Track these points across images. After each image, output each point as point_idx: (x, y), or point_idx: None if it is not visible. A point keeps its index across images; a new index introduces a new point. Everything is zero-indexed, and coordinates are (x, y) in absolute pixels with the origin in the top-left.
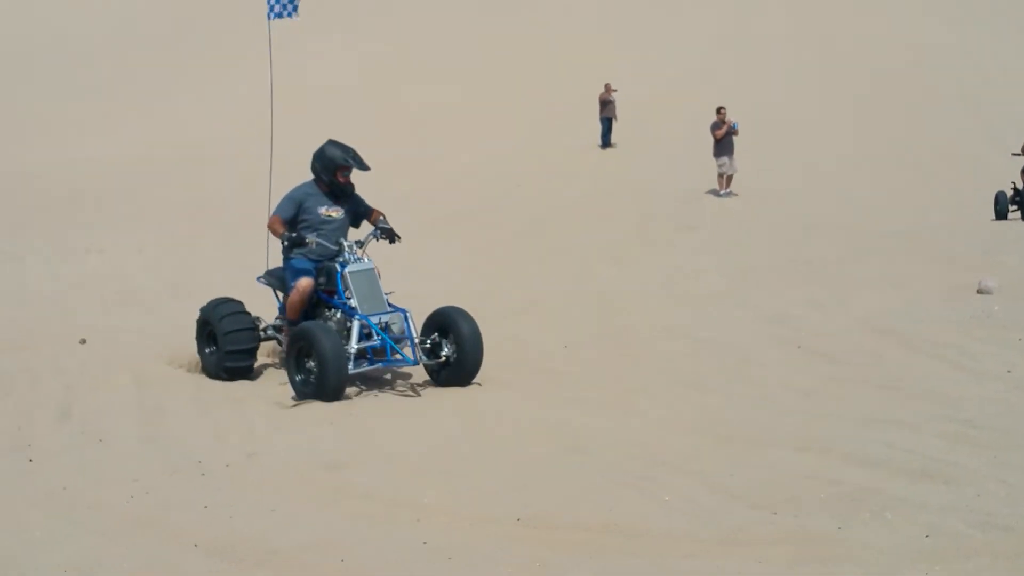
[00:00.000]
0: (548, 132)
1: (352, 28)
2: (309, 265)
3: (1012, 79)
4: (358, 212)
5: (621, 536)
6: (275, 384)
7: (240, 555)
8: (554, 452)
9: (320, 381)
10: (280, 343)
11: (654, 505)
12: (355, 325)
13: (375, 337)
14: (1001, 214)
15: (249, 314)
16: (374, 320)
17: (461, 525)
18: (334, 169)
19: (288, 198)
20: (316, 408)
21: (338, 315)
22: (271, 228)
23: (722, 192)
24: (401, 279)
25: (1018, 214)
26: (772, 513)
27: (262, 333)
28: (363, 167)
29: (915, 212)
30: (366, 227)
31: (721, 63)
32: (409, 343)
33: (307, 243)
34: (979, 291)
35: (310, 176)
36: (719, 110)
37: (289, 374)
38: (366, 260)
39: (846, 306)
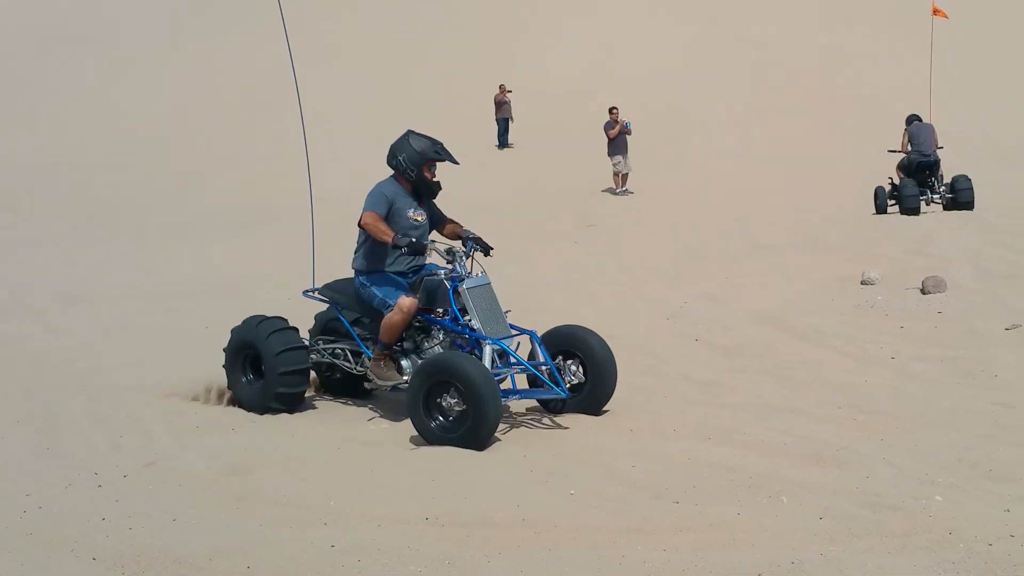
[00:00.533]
0: (443, 132)
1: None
2: (401, 279)
3: (890, 79)
4: (434, 217)
5: (530, 530)
6: (166, 393)
7: (142, 567)
8: (459, 450)
9: (475, 424)
10: (352, 369)
11: (561, 498)
12: (486, 351)
13: (513, 364)
14: (881, 208)
15: (297, 331)
16: (507, 343)
17: (369, 526)
18: (422, 163)
19: (379, 193)
20: (216, 413)
21: (442, 339)
22: (372, 227)
23: (618, 190)
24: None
25: (896, 208)
26: (675, 502)
27: (315, 356)
28: (454, 160)
29: (804, 207)
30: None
31: (619, 61)
32: (550, 370)
33: (427, 250)
34: (863, 282)
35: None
36: (611, 110)
37: (416, 417)
38: (479, 273)
39: (740, 299)
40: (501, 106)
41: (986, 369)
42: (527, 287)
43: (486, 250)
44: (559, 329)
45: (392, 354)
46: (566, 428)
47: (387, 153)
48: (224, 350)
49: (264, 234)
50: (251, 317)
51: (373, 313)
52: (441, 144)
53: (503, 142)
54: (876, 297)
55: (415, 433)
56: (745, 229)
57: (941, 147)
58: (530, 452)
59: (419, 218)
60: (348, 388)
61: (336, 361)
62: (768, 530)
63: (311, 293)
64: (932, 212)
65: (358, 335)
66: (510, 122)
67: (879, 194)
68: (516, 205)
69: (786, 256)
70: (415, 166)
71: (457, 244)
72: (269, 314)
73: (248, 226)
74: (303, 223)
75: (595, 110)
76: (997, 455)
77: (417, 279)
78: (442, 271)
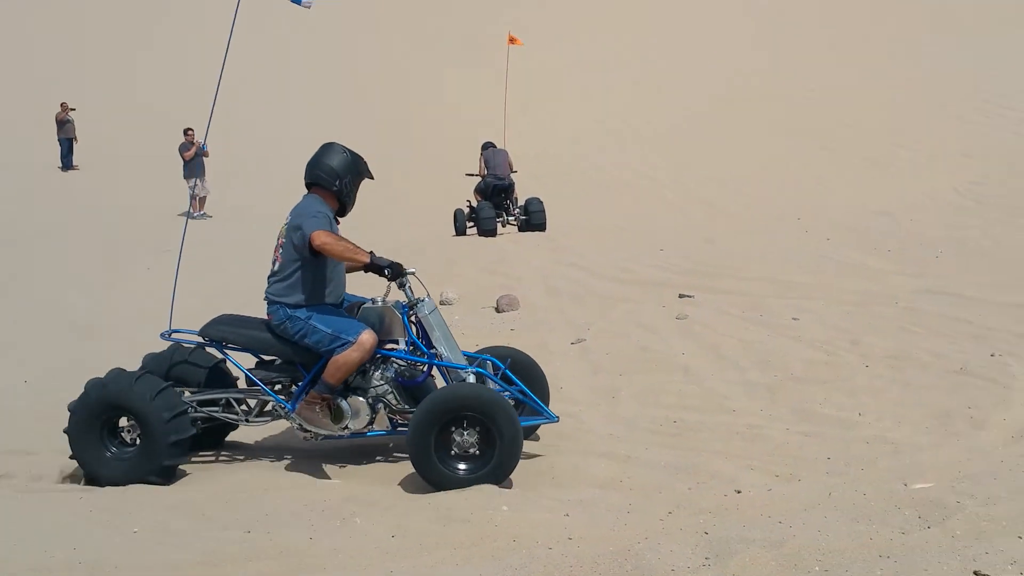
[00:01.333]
0: None
1: None
2: (341, 312)
3: (469, 106)
4: None
5: (86, 573)
6: None
7: None
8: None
9: (501, 463)
10: (240, 420)
11: (124, 538)
12: (470, 378)
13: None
14: (460, 230)
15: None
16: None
17: None
18: (359, 183)
19: (323, 213)
20: None
21: (391, 374)
22: (338, 247)
23: (195, 214)
24: None
25: (475, 230)
26: (246, 532)
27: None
28: (371, 176)
29: (388, 230)
30: None
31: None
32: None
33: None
34: (442, 302)
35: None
36: (187, 131)
37: (428, 463)
38: (425, 298)
39: None
40: (63, 125)
41: (552, 382)
42: (95, 317)
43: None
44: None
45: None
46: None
47: (321, 168)
48: (73, 411)
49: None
50: (118, 371)
51: (303, 353)
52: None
53: (67, 164)
54: (454, 316)
55: None
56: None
57: (515, 171)
58: (87, 493)
59: None
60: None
61: (217, 415)
62: (340, 551)
63: (178, 334)
64: (508, 233)
65: (261, 379)
66: (74, 142)
67: (458, 216)
68: (82, 230)
69: (363, 278)
70: (354, 186)
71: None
72: (126, 366)
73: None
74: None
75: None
76: (558, 464)
77: (351, 309)
78: (377, 300)
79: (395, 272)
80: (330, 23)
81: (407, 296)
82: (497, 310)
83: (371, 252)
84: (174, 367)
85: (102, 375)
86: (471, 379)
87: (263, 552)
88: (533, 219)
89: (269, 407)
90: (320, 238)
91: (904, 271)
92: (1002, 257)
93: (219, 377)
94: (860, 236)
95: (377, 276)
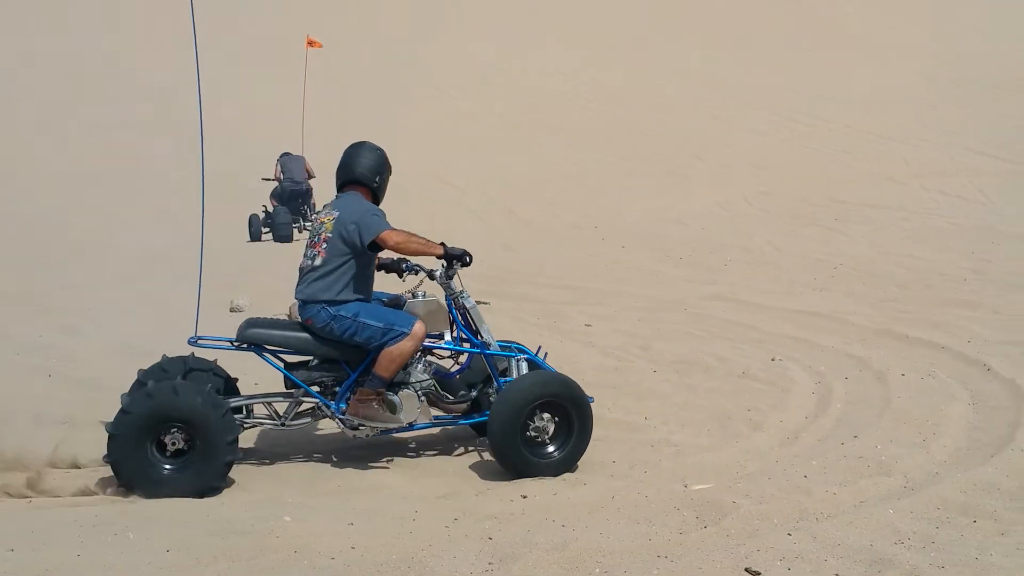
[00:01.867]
0: None
1: None
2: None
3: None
4: None
5: None
6: None
7: None
8: None
9: (575, 451)
10: (278, 424)
11: None
12: (523, 366)
13: None
14: (255, 236)
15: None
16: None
17: None
18: (389, 178)
19: (382, 213)
20: None
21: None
22: (414, 243)
23: None
24: None
25: (270, 235)
26: (9, 550)
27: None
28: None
29: (177, 232)
30: None
31: None
32: None
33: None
34: (232, 309)
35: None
36: None
37: (517, 452)
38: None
39: (103, 330)
40: None
41: None
42: None
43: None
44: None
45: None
46: None
47: (360, 167)
48: (114, 434)
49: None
50: (152, 383)
51: (349, 351)
52: None
53: None
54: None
55: None
56: (113, 257)
57: (313, 176)
58: None
59: None
60: None
61: (262, 422)
62: (113, 568)
63: (205, 340)
64: (305, 239)
65: (303, 380)
66: None
67: (253, 222)
68: None
69: (155, 284)
70: (386, 182)
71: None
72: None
73: None
74: None
75: None
76: (344, 473)
77: (391, 303)
78: (417, 293)
79: (469, 260)
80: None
81: (452, 288)
82: (289, 316)
83: (442, 243)
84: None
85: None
86: (524, 366)
87: (28, 571)
88: None
89: (304, 408)
90: (394, 237)
91: (694, 278)
92: (785, 265)
93: (231, 386)
94: (654, 244)
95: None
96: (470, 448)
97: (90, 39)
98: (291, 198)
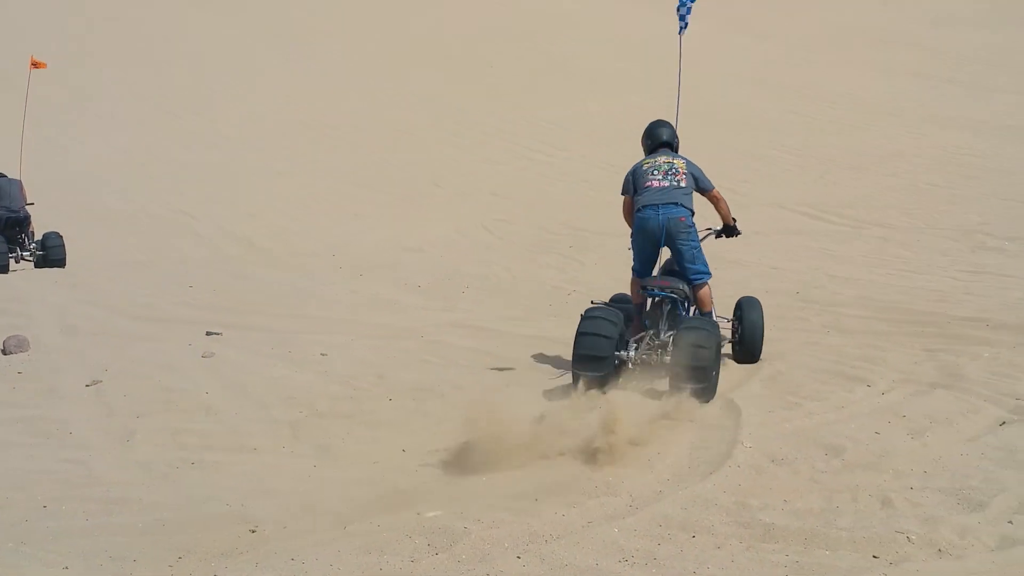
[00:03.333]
0: None
1: None
2: None
3: None
4: None
5: None
6: None
7: None
8: None
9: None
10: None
11: None
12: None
13: None
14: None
15: None
16: None
17: None
18: None
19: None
20: None
21: None
22: (726, 206)
23: None
24: None
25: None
26: None
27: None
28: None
29: None
30: None
31: None
32: None
33: None
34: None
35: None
36: None
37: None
38: None
39: None
40: None
41: (61, 428)
42: None
43: None
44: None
45: None
46: None
47: (669, 135)
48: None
49: None
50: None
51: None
52: None
53: None
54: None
55: None
56: None
57: (31, 203)
58: None
59: None
60: None
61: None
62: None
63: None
64: (22, 269)
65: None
66: None
67: None
68: None
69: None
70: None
71: None
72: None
73: None
74: None
75: None
76: (57, 515)
77: None
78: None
79: (738, 233)
80: None
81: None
82: (3, 351)
83: (733, 218)
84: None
85: None
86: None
87: None
88: (51, 254)
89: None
90: (719, 193)
91: (432, 306)
92: (521, 291)
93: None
94: (392, 272)
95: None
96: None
97: None
98: (7, 226)
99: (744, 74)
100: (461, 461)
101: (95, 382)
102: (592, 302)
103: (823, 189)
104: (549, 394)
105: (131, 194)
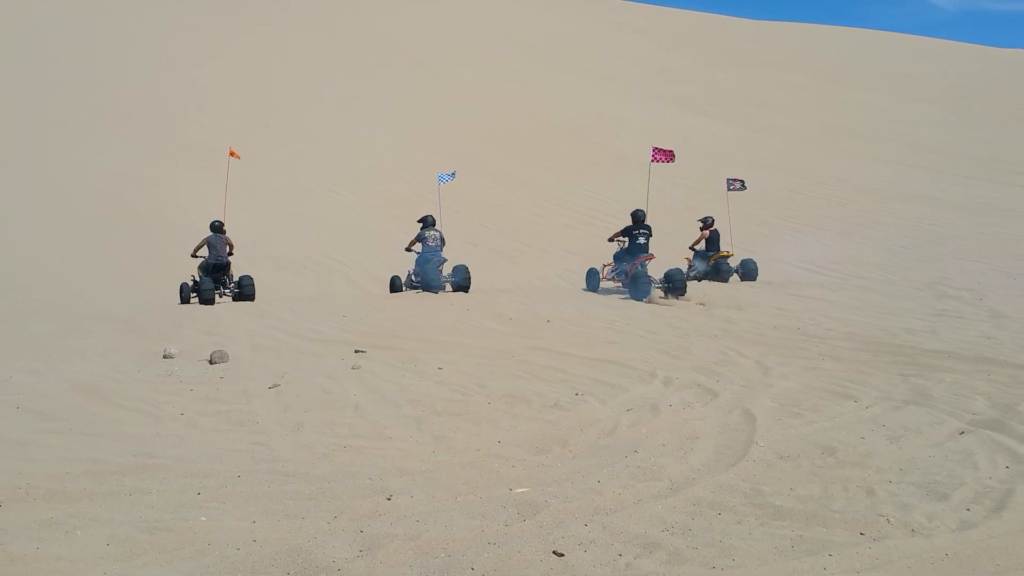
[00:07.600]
0: None
1: None
2: None
3: (185, 200)
4: None
5: None
6: None
7: None
8: None
9: None
10: None
11: None
12: None
13: None
14: (185, 299)
15: None
16: None
17: None
18: None
19: None
20: None
21: None
22: None
23: None
24: None
25: (197, 299)
26: None
27: None
28: None
29: (120, 297)
30: None
31: None
32: None
33: None
34: (164, 356)
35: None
36: None
37: None
38: None
39: (59, 372)
40: None
41: (250, 419)
42: None
43: None
44: None
45: None
46: None
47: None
48: None
49: None
50: None
51: None
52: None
53: None
54: (174, 367)
55: None
56: (70, 314)
57: (232, 254)
58: None
59: None
60: None
61: None
62: (61, 558)
63: None
64: (223, 303)
65: None
66: None
67: (183, 289)
68: None
69: (101, 336)
70: None
71: None
72: None
73: None
74: None
75: None
76: (248, 481)
77: None
78: None
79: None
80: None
81: None
82: (210, 362)
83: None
84: None
85: None
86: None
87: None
88: (245, 291)
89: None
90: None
91: (520, 334)
92: (586, 325)
93: None
94: (491, 309)
95: None
96: (352, 464)
97: None
98: (214, 270)
99: (753, 161)
100: (542, 450)
101: (275, 385)
102: None
103: (818, 250)
104: (604, 403)
105: (302, 248)
